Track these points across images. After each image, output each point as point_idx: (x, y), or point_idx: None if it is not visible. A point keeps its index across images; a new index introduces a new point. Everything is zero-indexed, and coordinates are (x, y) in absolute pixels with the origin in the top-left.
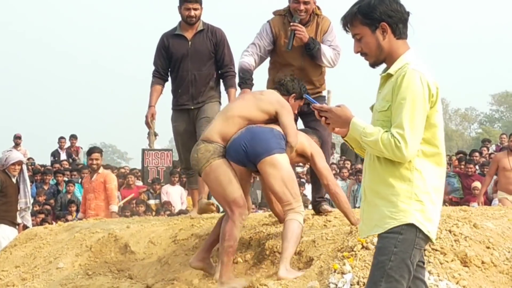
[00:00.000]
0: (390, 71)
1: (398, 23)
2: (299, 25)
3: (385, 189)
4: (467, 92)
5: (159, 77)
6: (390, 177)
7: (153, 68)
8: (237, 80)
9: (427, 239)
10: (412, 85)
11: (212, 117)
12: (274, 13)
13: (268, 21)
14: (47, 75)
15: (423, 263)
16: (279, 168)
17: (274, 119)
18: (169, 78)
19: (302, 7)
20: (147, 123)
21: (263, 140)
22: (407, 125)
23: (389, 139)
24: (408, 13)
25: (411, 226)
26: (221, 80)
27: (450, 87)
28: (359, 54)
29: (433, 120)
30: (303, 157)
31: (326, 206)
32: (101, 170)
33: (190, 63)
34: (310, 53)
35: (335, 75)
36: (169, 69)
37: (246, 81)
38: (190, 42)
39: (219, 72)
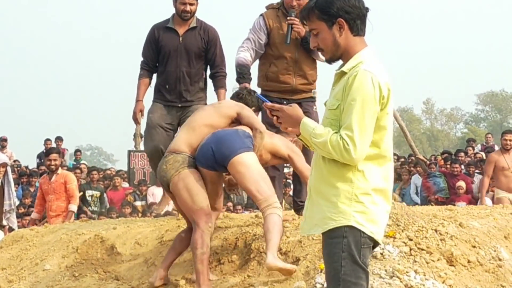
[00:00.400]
0: (344, 68)
1: (356, 19)
2: (296, 19)
3: (327, 189)
4: (452, 92)
5: (147, 69)
6: (333, 177)
7: (141, 59)
8: (224, 79)
9: (372, 238)
10: (363, 86)
11: None
12: (267, 7)
13: (261, 15)
14: (33, 77)
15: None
16: (248, 166)
17: (237, 122)
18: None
19: (295, 2)
20: (135, 119)
21: (228, 141)
22: (356, 127)
23: (338, 141)
24: (367, 9)
25: (354, 227)
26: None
27: (436, 87)
28: (315, 49)
29: (383, 123)
30: (281, 158)
31: None
32: (60, 170)
33: (179, 59)
34: (307, 46)
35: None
36: (157, 63)
37: (244, 75)
38: (181, 38)
39: (210, 72)
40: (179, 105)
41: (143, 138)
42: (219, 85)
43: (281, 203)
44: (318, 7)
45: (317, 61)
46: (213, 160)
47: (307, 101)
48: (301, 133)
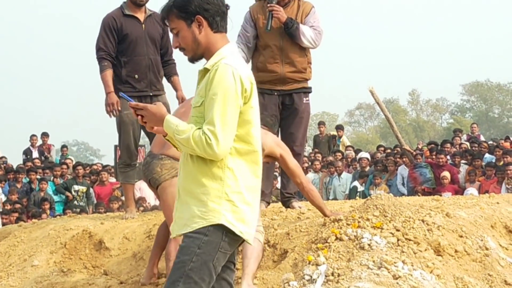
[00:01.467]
0: (207, 65)
1: (215, 16)
2: (276, 5)
3: (196, 188)
4: (438, 82)
5: (110, 60)
6: (202, 175)
7: (99, 51)
8: (176, 66)
9: (237, 241)
10: (223, 80)
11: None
12: (256, 0)
13: (249, 8)
14: (18, 73)
15: (234, 264)
16: None
17: None
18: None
19: None
20: (111, 111)
21: None
22: (218, 121)
23: (201, 136)
24: (226, 6)
25: (218, 228)
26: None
27: (421, 78)
28: (178, 49)
29: (247, 117)
30: (271, 157)
31: (295, 203)
32: None
33: (146, 47)
34: (289, 32)
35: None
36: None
37: None
38: (143, 25)
39: (163, 60)
40: (151, 94)
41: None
42: (174, 72)
43: (269, 195)
44: (176, 6)
45: (311, 50)
46: None
47: (298, 92)
48: (166, 132)
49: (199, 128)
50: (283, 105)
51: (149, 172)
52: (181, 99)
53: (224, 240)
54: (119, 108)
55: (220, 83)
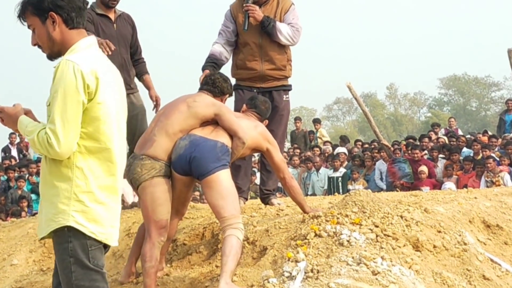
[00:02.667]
0: (56, 63)
1: (70, 12)
2: (252, 5)
3: (49, 190)
4: (415, 76)
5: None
6: (53, 177)
7: None
8: (146, 65)
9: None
10: (64, 77)
11: (142, 110)
12: None
13: (229, 6)
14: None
15: None
16: (219, 185)
17: (212, 121)
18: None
19: None
20: (105, 48)
21: (205, 159)
22: (58, 119)
23: (43, 136)
24: (84, 2)
25: (75, 230)
26: None
27: (399, 72)
28: (36, 46)
29: (95, 113)
30: (257, 150)
31: (274, 200)
32: None
33: (118, 46)
34: (265, 30)
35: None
36: None
37: (207, 64)
38: (115, 24)
39: (133, 59)
40: (127, 93)
41: None
42: (145, 70)
43: (247, 191)
44: (30, 3)
45: (290, 47)
46: (188, 170)
47: (278, 90)
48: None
49: (44, 128)
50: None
51: (131, 172)
52: (154, 98)
53: (88, 238)
54: (113, 47)
55: (60, 80)
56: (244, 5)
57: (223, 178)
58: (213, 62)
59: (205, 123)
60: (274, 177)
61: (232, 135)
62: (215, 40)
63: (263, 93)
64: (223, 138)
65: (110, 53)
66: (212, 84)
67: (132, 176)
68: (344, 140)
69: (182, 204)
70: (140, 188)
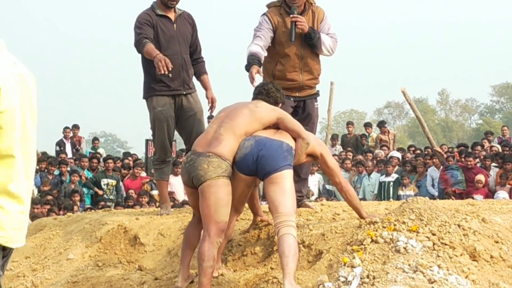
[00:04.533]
0: None
1: None
2: (299, 16)
3: None
4: (467, 83)
5: (150, 40)
6: None
7: (140, 38)
8: (205, 64)
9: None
10: None
11: (200, 111)
12: (268, 5)
13: (264, 14)
14: (46, 64)
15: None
16: (283, 182)
17: (272, 126)
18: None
19: None
20: (164, 66)
21: (272, 158)
22: None
23: None
24: None
25: None
26: None
27: (451, 78)
28: None
29: None
30: (311, 156)
31: (307, 203)
32: None
33: (178, 46)
34: (311, 42)
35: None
36: None
37: (251, 62)
38: (175, 24)
39: (192, 58)
40: (184, 93)
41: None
42: (204, 71)
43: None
44: None
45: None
46: (254, 170)
47: (311, 98)
48: None
49: None
50: (295, 110)
51: (194, 168)
52: (210, 99)
53: None
54: (171, 66)
55: None
56: (291, 16)
57: (287, 177)
58: (258, 59)
59: (267, 128)
60: (306, 183)
61: (295, 137)
62: (253, 41)
63: (298, 102)
64: (287, 139)
65: (165, 72)
66: (267, 94)
67: (197, 172)
68: (369, 125)
69: (241, 203)
70: (205, 185)
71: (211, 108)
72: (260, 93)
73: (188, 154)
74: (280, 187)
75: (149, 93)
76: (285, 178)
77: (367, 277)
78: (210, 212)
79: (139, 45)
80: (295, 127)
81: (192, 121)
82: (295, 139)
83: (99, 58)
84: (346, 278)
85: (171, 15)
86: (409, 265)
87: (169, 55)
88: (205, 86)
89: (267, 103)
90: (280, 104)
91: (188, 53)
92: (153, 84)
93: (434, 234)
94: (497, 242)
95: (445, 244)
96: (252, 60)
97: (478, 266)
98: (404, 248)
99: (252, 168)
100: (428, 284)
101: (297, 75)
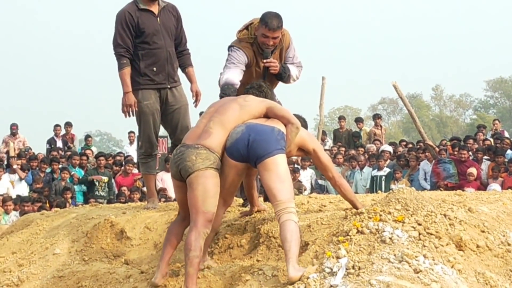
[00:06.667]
0: None
1: None
2: (273, 60)
3: None
4: (461, 78)
5: (129, 57)
6: None
7: (117, 48)
8: (190, 57)
9: None
10: None
11: (185, 104)
12: (240, 38)
13: (238, 48)
14: (40, 62)
15: None
16: (278, 168)
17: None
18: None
19: (271, 42)
20: (127, 112)
21: (264, 142)
22: None
23: None
24: None
25: None
26: None
27: (445, 73)
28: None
29: None
30: (303, 151)
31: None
32: None
33: (163, 39)
34: (280, 79)
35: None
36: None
37: (229, 94)
38: (158, 18)
39: (177, 50)
40: (169, 86)
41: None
42: (189, 63)
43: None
44: None
45: None
46: (246, 155)
47: None
48: None
49: None
50: None
51: (182, 160)
52: (195, 92)
53: None
54: (136, 109)
55: None
56: (264, 61)
57: (281, 161)
58: (234, 90)
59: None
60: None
61: (285, 123)
62: (229, 67)
63: None
64: (278, 125)
65: (127, 117)
66: (258, 88)
67: (184, 164)
68: (360, 120)
69: (230, 194)
70: (193, 176)
71: (196, 101)
72: (252, 87)
73: (177, 147)
74: (275, 173)
75: (134, 87)
76: (278, 163)
77: (353, 267)
78: (198, 202)
79: (117, 59)
80: (284, 113)
81: (177, 114)
82: (285, 126)
83: (95, 56)
84: (332, 269)
85: (155, 9)
86: (394, 255)
87: (153, 49)
88: (190, 79)
89: (256, 97)
90: None
91: (173, 46)
92: (138, 78)
93: (420, 224)
94: (483, 231)
95: (431, 234)
96: (230, 92)
97: (464, 255)
98: (390, 238)
99: (243, 153)
100: (414, 274)
101: None
